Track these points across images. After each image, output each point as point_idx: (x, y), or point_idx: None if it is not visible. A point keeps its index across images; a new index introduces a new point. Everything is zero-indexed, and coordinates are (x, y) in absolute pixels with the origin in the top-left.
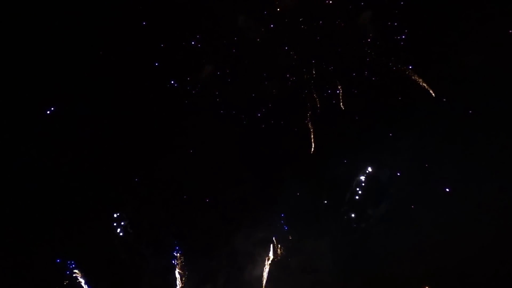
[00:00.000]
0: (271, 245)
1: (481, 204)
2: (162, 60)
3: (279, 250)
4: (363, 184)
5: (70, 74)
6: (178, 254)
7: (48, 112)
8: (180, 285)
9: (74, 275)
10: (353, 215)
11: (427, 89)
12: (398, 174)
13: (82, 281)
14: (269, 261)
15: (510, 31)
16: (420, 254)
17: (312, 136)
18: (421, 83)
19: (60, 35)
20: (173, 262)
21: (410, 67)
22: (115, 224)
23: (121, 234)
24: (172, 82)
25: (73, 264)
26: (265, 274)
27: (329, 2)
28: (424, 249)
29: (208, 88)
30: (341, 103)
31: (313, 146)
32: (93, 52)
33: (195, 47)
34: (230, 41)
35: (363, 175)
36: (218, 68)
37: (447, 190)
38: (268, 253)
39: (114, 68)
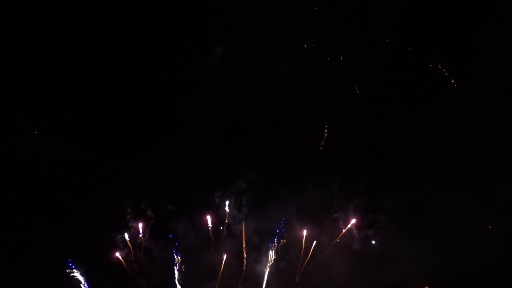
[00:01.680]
0: (277, 239)
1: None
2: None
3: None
4: (376, 179)
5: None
6: (179, 254)
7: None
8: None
9: (73, 273)
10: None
11: (449, 78)
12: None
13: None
14: (274, 255)
15: None
16: (425, 254)
17: (325, 126)
18: (441, 72)
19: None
20: (175, 257)
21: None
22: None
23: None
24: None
25: (72, 262)
26: (268, 268)
27: None
28: (429, 250)
29: (220, 73)
30: (356, 88)
31: (325, 135)
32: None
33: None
34: (241, 22)
35: (377, 169)
36: (230, 51)
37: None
38: (274, 247)
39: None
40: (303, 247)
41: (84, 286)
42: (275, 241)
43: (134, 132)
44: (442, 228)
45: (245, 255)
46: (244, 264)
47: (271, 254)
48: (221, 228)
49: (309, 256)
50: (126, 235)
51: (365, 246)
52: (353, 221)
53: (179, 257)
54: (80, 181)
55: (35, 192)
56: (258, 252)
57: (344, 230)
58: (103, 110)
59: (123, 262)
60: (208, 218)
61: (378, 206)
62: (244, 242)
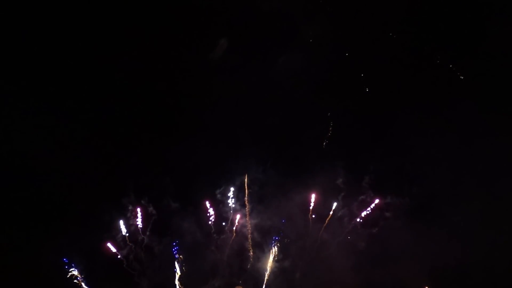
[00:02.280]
0: (279, 236)
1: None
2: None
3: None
4: (382, 175)
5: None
6: (181, 251)
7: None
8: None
9: (72, 272)
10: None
11: (456, 72)
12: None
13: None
14: (276, 253)
15: None
16: (428, 253)
17: (330, 122)
18: (449, 66)
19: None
20: (176, 255)
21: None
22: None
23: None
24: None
25: (70, 261)
26: (269, 266)
27: None
28: (433, 249)
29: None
30: (363, 84)
31: (330, 132)
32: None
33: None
34: (245, 16)
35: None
36: (233, 45)
37: None
38: (276, 244)
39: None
40: (306, 244)
41: (83, 285)
42: (278, 239)
43: (134, 127)
44: (447, 227)
45: (251, 253)
46: (250, 261)
47: (273, 252)
48: (223, 224)
49: (314, 254)
50: (126, 233)
51: (368, 245)
52: (376, 201)
53: (180, 255)
54: (79, 178)
55: (33, 188)
56: (260, 250)
57: (359, 217)
58: (103, 104)
59: (124, 260)
60: (210, 215)
61: (384, 203)
62: (249, 239)
